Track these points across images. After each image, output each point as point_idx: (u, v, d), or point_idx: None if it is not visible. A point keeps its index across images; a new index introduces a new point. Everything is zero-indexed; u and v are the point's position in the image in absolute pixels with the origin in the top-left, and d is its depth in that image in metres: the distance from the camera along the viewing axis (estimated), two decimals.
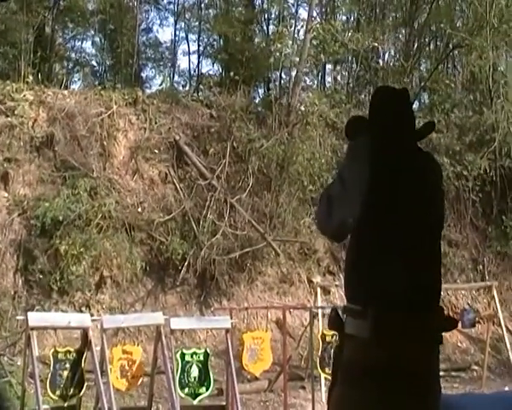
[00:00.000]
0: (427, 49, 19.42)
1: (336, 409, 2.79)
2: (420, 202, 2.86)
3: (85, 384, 7.31)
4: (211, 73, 19.48)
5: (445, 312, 2.95)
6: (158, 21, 20.38)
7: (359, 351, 2.71)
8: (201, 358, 8.10)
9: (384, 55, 19.05)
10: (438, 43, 19.46)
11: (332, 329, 2.83)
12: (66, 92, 14.75)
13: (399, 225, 2.78)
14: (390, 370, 2.65)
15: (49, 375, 7.17)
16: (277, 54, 15.97)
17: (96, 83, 17.17)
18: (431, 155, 3.21)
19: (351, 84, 18.56)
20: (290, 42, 16.48)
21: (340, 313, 2.90)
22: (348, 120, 3.29)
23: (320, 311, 11.47)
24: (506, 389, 11.00)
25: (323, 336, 9.69)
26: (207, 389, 8.07)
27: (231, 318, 9.30)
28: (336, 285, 13.68)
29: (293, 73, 16.12)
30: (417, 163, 2.95)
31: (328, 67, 19.56)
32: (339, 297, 13.41)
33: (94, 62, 19.87)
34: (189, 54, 19.78)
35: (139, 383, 8.19)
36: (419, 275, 2.74)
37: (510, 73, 16.60)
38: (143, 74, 19.97)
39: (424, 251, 2.82)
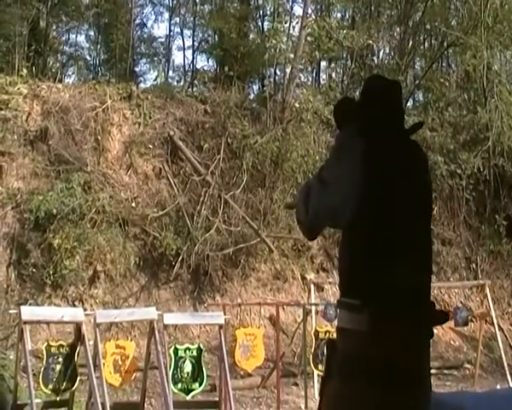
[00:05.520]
0: (422, 47, 19.46)
1: (331, 403, 2.79)
2: (415, 193, 2.88)
3: (78, 379, 7.29)
4: (205, 68, 19.51)
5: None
6: (153, 16, 20.42)
7: (355, 345, 2.70)
8: (195, 353, 8.09)
9: (379, 52, 19.11)
10: (432, 41, 19.49)
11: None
12: (60, 86, 14.69)
13: (398, 218, 2.78)
14: (385, 364, 2.65)
15: (42, 369, 7.15)
16: (272, 50, 15.94)
17: (91, 77, 17.13)
18: (418, 145, 3.19)
19: (345, 82, 18.54)
20: (285, 38, 16.44)
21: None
22: (337, 102, 3.23)
23: (313, 308, 11.48)
24: (498, 387, 11.03)
25: (316, 332, 9.74)
26: (200, 385, 8.06)
27: (225, 314, 9.28)
28: (330, 282, 13.68)
29: (288, 70, 16.09)
30: (408, 154, 2.97)
31: (323, 64, 19.62)
32: (332, 294, 13.42)
33: (88, 56, 19.87)
34: (184, 49, 19.82)
35: (132, 378, 8.19)
36: (417, 269, 2.75)
37: (505, 73, 16.63)
38: (138, 69, 19.98)
39: (421, 243, 2.83)
